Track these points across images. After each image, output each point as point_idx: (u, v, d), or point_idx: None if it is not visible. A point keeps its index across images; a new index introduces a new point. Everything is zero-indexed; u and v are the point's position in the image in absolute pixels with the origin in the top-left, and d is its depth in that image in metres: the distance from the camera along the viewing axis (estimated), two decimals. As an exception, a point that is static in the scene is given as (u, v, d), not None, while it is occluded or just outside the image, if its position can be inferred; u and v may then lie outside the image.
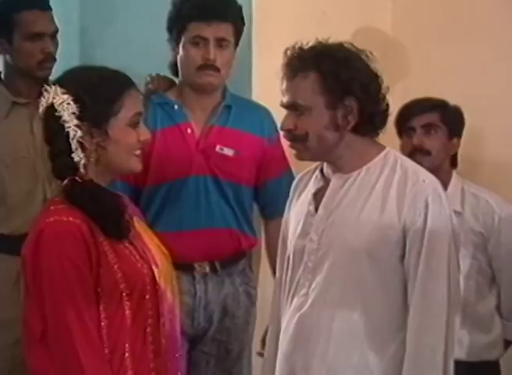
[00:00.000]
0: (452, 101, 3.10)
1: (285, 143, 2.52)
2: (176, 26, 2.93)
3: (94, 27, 3.78)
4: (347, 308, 2.22)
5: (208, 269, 2.96)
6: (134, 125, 2.23)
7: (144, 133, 2.25)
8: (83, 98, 2.17)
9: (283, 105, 2.27)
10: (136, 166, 2.26)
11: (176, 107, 2.95)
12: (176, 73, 3.00)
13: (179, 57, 2.94)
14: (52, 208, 2.19)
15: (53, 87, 2.20)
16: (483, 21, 3.31)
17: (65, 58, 3.14)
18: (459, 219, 2.79)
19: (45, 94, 2.21)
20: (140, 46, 3.51)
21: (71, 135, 2.17)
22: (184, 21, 2.90)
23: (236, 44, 2.97)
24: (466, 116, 3.11)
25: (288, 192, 2.49)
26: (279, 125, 2.91)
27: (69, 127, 2.17)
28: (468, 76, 3.34)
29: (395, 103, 3.13)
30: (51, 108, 2.19)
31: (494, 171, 3.29)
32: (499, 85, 3.26)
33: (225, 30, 2.90)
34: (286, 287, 2.35)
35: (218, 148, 2.94)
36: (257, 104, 3.11)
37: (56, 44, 3.07)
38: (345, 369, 2.22)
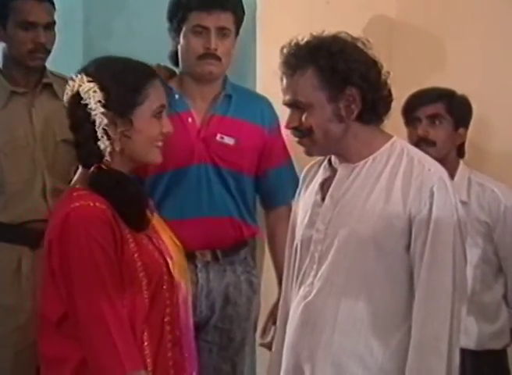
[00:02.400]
0: (458, 89, 3.07)
1: (290, 138, 2.49)
2: (177, 15, 2.92)
3: (97, 18, 3.78)
4: (352, 298, 2.21)
5: (209, 257, 2.96)
6: (158, 116, 2.25)
7: (167, 126, 2.27)
8: (109, 86, 2.19)
9: (286, 104, 2.26)
10: (157, 157, 2.28)
11: (176, 97, 2.93)
12: (176, 63, 3.00)
13: (179, 46, 2.94)
14: (75, 194, 2.19)
15: (78, 75, 2.21)
16: (490, 6, 3.28)
17: (69, 49, 3.14)
18: (465, 209, 2.76)
19: (70, 82, 2.23)
20: (144, 37, 3.50)
21: (97, 123, 2.18)
22: (184, 10, 2.90)
23: (237, 33, 2.97)
24: (473, 105, 3.09)
25: (288, 182, 2.49)
26: (279, 115, 2.93)
27: (96, 115, 2.17)
28: (476, 64, 3.31)
29: (406, 92, 3.14)
30: (76, 96, 2.20)
31: (502, 161, 3.26)
32: (508, 73, 3.23)
33: (225, 19, 2.90)
34: (294, 277, 2.35)
35: (218, 136, 2.94)
36: (258, 94, 3.11)
37: (53, 36, 3.06)
38: (350, 358, 2.21)
